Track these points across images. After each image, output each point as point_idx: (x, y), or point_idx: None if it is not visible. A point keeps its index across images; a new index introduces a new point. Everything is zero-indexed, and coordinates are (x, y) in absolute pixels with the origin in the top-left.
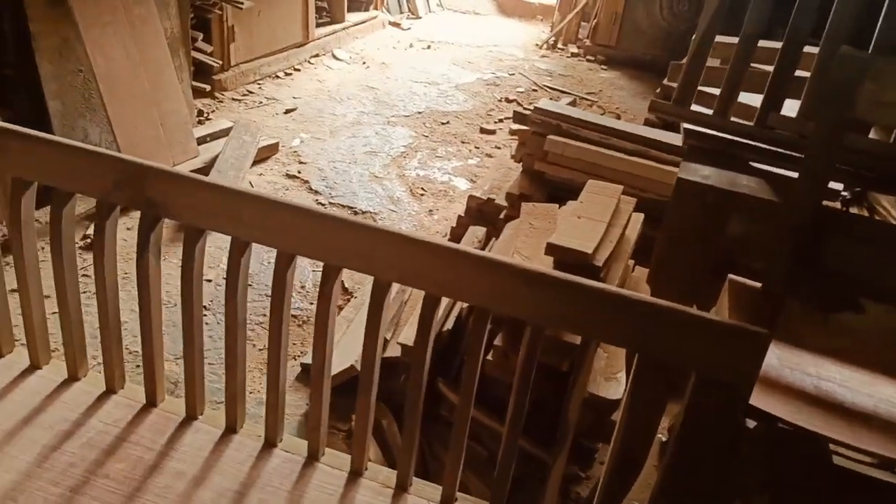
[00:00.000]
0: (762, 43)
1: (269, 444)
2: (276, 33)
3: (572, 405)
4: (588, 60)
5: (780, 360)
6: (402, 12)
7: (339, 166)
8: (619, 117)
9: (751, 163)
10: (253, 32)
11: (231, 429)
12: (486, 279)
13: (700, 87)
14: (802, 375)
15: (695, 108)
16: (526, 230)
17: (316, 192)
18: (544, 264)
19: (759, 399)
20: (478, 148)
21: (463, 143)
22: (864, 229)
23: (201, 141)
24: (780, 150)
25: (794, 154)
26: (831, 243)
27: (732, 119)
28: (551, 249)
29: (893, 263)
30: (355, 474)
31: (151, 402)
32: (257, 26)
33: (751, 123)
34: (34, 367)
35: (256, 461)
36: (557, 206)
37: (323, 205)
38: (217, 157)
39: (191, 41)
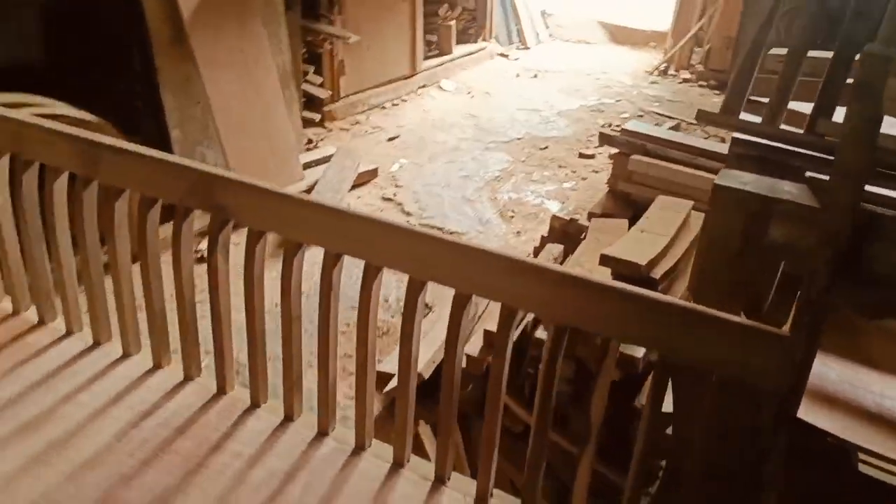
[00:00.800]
0: (815, 53)
1: (321, 433)
2: (385, 66)
3: (595, 402)
4: (700, 86)
5: (839, 375)
6: (511, 43)
7: (434, 189)
8: (723, 140)
9: (805, 173)
10: (362, 66)
11: (289, 417)
12: (508, 279)
13: (755, 98)
14: (864, 392)
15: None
16: (592, 244)
17: (408, 214)
18: (604, 276)
19: (811, 414)
20: (574, 172)
21: (560, 167)
22: (890, 231)
23: (307, 166)
24: (829, 157)
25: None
26: (872, 247)
27: (781, 127)
28: (605, 260)
29: None
30: (398, 465)
31: (221, 390)
32: (366, 60)
33: (801, 131)
34: (126, 355)
35: (309, 448)
36: (627, 222)
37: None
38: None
39: (302, 74)
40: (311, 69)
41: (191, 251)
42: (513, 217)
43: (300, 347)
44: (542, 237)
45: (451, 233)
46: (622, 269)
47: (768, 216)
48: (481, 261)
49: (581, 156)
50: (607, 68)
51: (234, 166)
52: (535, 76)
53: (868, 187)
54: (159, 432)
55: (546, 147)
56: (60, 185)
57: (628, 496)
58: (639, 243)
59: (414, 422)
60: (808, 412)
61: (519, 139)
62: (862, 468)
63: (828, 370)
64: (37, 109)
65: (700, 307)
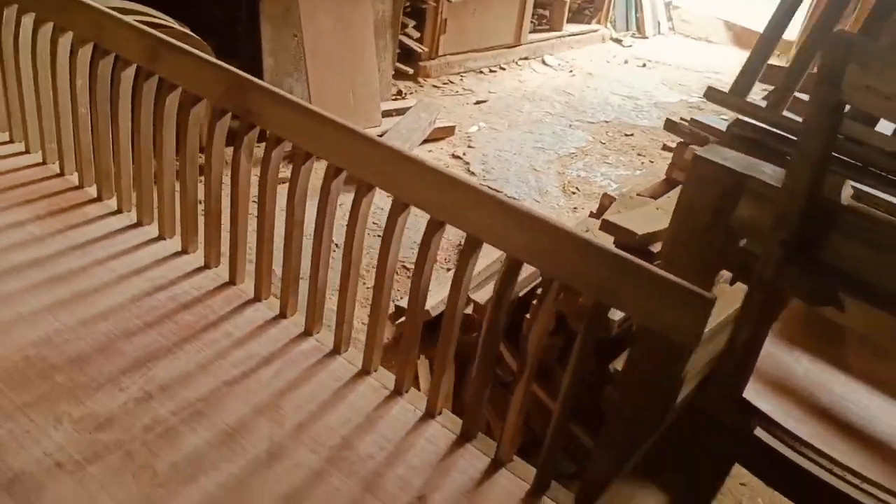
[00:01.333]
0: None
1: (307, 332)
2: (488, 32)
3: (532, 336)
4: None
5: (806, 372)
6: (627, 30)
7: (504, 155)
8: None
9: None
10: (464, 27)
11: (283, 314)
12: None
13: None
14: (824, 391)
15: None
16: (611, 214)
17: (472, 173)
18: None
19: (759, 397)
20: (652, 162)
21: (639, 155)
22: (859, 227)
23: (388, 114)
24: None
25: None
26: (827, 237)
27: (784, 114)
28: (605, 225)
29: (883, 266)
30: (365, 372)
31: (232, 281)
32: (469, 23)
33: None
34: (160, 237)
35: (291, 342)
36: (654, 201)
37: None
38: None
39: (401, 26)
40: (413, 24)
41: (222, 149)
42: (574, 194)
43: (300, 252)
44: (591, 213)
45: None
46: (619, 235)
47: (738, 193)
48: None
49: (664, 148)
50: (722, 69)
51: (315, 100)
52: (644, 65)
53: (861, 186)
54: (168, 304)
55: (631, 134)
56: (128, 74)
57: (553, 427)
58: (646, 217)
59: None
60: (756, 395)
61: (606, 122)
62: (759, 433)
63: (797, 365)
64: (143, 17)
65: (632, 258)
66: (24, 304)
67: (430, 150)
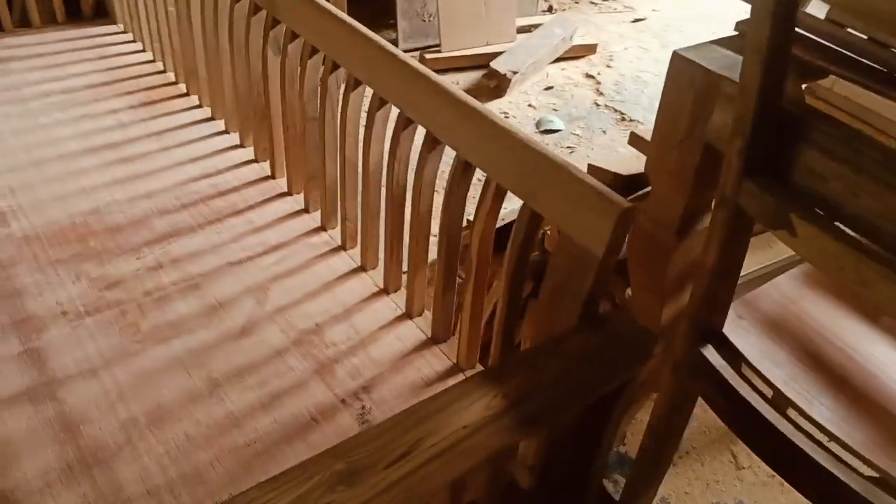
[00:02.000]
0: None
1: (322, 227)
2: None
3: (473, 238)
4: None
5: (817, 315)
6: None
7: (644, 77)
8: None
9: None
10: None
11: (306, 209)
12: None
13: None
14: (831, 338)
15: None
16: None
17: (600, 94)
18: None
19: (740, 334)
20: None
21: None
22: (833, 141)
23: (526, 29)
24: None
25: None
26: (792, 149)
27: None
28: (591, 169)
29: (861, 191)
30: (361, 269)
31: (272, 176)
32: None
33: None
34: (226, 131)
35: (304, 234)
36: None
37: (598, 105)
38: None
39: None
40: None
41: (258, 44)
42: None
43: (323, 148)
44: None
45: (629, 120)
46: (598, 175)
47: (714, 96)
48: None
49: None
50: None
51: (443, 9)
52: None
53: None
54: (207, 190)
55: None
56: None
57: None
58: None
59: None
60: (738, 331)
61: None
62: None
63: (813, 307)
64: None
65: (552, 155)
66: (88, 179)
67: (563, 69)
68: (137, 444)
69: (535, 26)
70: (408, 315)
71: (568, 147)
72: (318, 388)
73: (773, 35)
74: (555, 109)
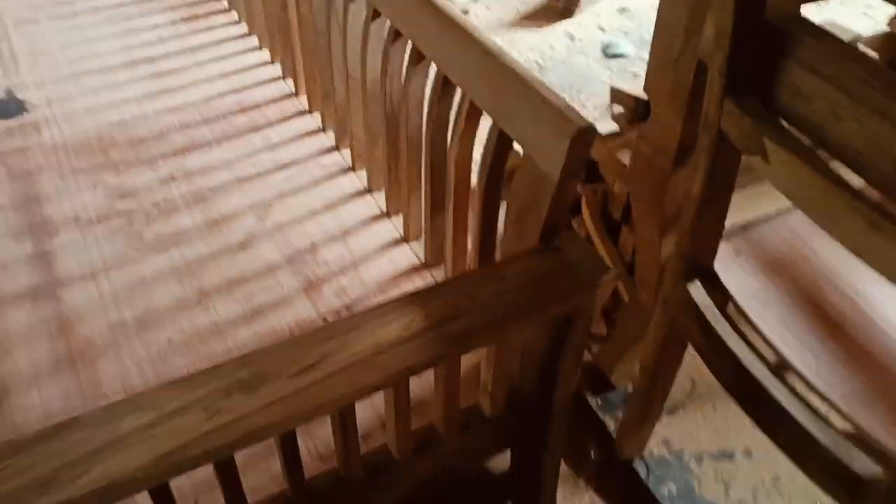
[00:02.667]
0: None
1: (336, 147)
2: None
3: (448, 158)
4: None
5: (832, 258)
6: None
7: None
8: None
9: None
10: None
11: (322, 129)
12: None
13: None
14: (841, 285)
15: None
16: None
17: None
18: None
19: (732, 272)
20: None
21: None
22: (822, 59)
23: None
24: None
25: None
26: (777, 66)
27: None
28: (613, 92)
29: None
30: (367, 191)
31: (294, 94)
32: None
33: None
34: (271, 62)
35: (317, 153)
36: None
37: None
38: None
39: None
40: None
41: None
42: None
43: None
44: None
45: None
46: (622, 100)
47: (707, 7)
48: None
49: None
50: None
51: None
52: None
53: None
54: (231, 106)
55: None
56: None
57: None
58: None
59: None
60: (733, 268)
61: None
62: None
63: (822, 248)
64: None
65: (520, 69)
66: (121, 92)
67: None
68: (122, 345)
69: None
70: (405, 239)
71: (632, 73)
72: (303, 304)
73: None
74: (626, 33)
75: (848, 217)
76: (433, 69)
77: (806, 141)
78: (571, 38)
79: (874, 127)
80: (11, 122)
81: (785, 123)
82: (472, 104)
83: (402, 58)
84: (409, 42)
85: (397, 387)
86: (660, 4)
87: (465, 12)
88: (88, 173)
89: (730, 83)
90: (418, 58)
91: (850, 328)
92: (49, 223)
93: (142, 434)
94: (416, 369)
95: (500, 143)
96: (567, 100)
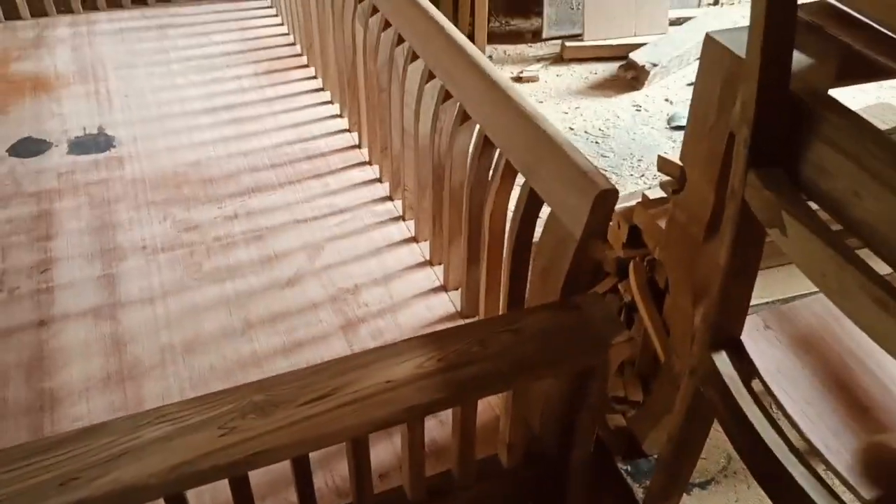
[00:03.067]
0: None
1: (389, 197)
2: None
3: (485, 214)
4: None
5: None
6: None
7: None
8: None
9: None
10: None
11: (378, 179)
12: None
13: None
14: (870, 366)
15: None
16: None
17: None
18: None
19: (761, 344)
20: None
21: None
22: (847, 139)
23: (679, 22)
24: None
25: None
26: (809, 145)
27: None
28: (660, 161)
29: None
30: (413, 240)
31: (357, 146)
32: None
33: None
34: (331, 101)
35: (371, 202)
36: None
37: None
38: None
39: None
40: None
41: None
42: None
43: (389, 118)
44: None
45: None
46: (669, 168)
47: (739, 81)
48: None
49: None
50: None
51: (589, 0)
52: None
53: None
54: (298, 153)
55: None
56: None
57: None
58: None
59: None
60: (762, 342)
61: None
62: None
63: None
64: None
65: (550, 129)
66: (200, 134)
67: None
68: (168, 367)
69: (684, 19)
70: (444, 287)
71: None
72: (339, 342)
73: (772, 10)
74: None
75: (858, 295)
76: (477, 129)
77: (827, 217)
78: (638, 108)
79: (892, 207)
80: (100, 156)
81: (807, 198)
82: (507, 163)
83: (451, 117)
84: (458, 103)
85: (411, 427)
86: (697, 76)
87: (534, 80)
88: (160, 206)
89: (754, 155)
90: (464, 118)
91: (878, 411)
92: (119, 249)
93: (159, 444)
94: (425, 409)
95: (530, 201)
96: (626, 167)
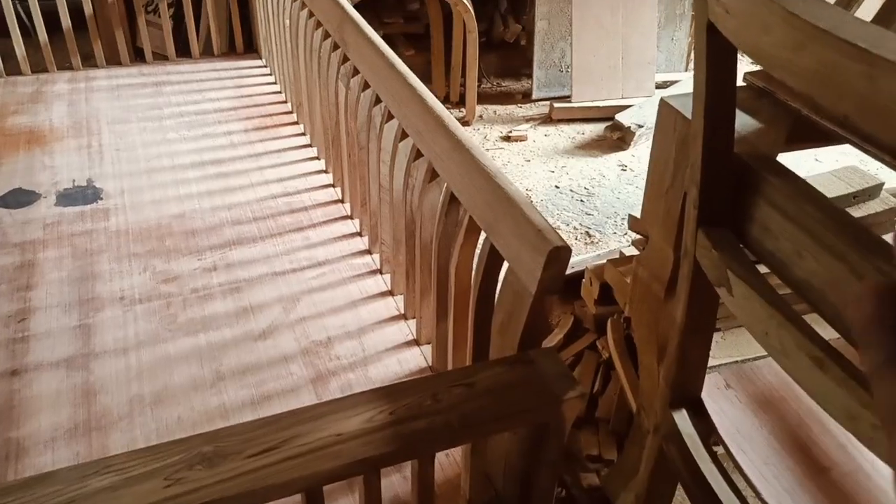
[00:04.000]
0: None
1: (368, 251)
2: None
3: (451, 268)
4: None
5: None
6: None
7: None
8: None
9: None
10: None
11: (359, 233)
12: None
13: None
14: (831, 428)
15: None
16: None
17: None
18: None
19: (720, 402)
20: None
21: None
22: (775, 192)
23: (665, 85)
24: None
25: None
26: (754, 206)
27: None
28: (631, 220)
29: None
30: (390, 293)
31: (340, 200)
32: None
33: None
34: (317, 157)
35: (351, 254)
36: None
37: None
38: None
39: None
40: None
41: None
42: None
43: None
44: None
45: None
46: (637, 227)
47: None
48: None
49: None
50: None
51: (577, 60)
52: None
53: None
54: (281, 207)
55: None
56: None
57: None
58: None
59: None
60: (722, 401)
61: None
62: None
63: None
64: None
65: (506, 186)
66: (186, 188)
67: None
68: (136, 418)
69: (669, 83)
70: (416, 342)
71: None
72: (308, 396)
73: (712, 79)
74: None
75: (797, 354)
76: (445, 186)
77: (776, 280)
78: (623, 167)
79: (830, 266)
80: (86, 208)
81: (754, 257)
82: (471, 219)
83: (422, 174)
84: (428, 160)
85: (367, 480)
86: (653, 138)
87: (523, 139)
88: (142, 257)
89: (703, 215)
90: (433, 175)
91: (836, 472)
92: (97, 299)
93: (105, 494)
94: (374, 462)
95: (490, 256)
96: (609, 226)
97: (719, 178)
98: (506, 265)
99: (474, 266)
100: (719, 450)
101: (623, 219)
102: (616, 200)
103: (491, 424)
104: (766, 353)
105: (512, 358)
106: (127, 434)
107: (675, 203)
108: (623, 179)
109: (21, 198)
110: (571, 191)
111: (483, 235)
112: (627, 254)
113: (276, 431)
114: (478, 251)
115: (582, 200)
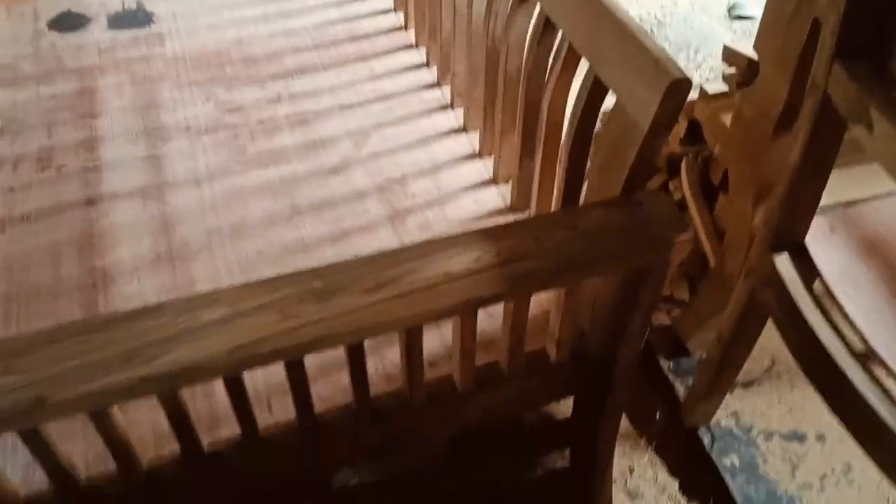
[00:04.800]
0: None
1: (437, 83)
2: None
3: (543, 103)
4: None
5: None
6: None
7: None
8: None
9: None
10: None
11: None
12: None
13: None
14: None
15: None
16: None
17: None
18: None
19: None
20: None
21: None
22: None
23: None
24: None
25: None
26: (894, 30)
27: None
28: (726, 51)
29: None
30: (463, 130)
31: (417, 44)
32: None
33: None
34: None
35: (421, 89)
36: None
37: None
38: None
39: None
40: None
41: None
42: None
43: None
44: None
45: None
46: (736, 61)
47: None
48: None
49: None
50: None
51: None
52: None
53: None
54: (342, 34)
55: None
56: None
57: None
58: None
59: None
60: (826, 245)
61: None
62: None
63: None
64: None
65: (631, 22)
66: (241, 11)
67: None
68: (216, 250)
69: None
70: (494, 181)
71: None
72: (387, 233)
73: None
74: None
75: None
76: (538, 10)
77: None
78: None
79: None
80: (139, 32)
81: None
82: (570, 47)
83: None
84: None
85: (463, 318)
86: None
87: None
88: (203, 86)
89: (842, 46)
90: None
91: None
92: (164, 129)
93: (217, 326)
94: (479, 302)
95: (594, 89)
96: (682, 59)
97: (865, 5)
98: (609, 99)
99: (570, 100)
100: (821, 295)
101: (696, 51)
102: (689, 31)
103: (597, 267)
104: (873, 195)
105: (618, 199)
106: (209, 266)
107: (798, 34)
108: (696, 7)
109: (72, 21)
110: (640, 19)
111: (583, 66)
112: (710, 90)
113: (384, 268)
114: (575, 84)
115: (652, 30)
